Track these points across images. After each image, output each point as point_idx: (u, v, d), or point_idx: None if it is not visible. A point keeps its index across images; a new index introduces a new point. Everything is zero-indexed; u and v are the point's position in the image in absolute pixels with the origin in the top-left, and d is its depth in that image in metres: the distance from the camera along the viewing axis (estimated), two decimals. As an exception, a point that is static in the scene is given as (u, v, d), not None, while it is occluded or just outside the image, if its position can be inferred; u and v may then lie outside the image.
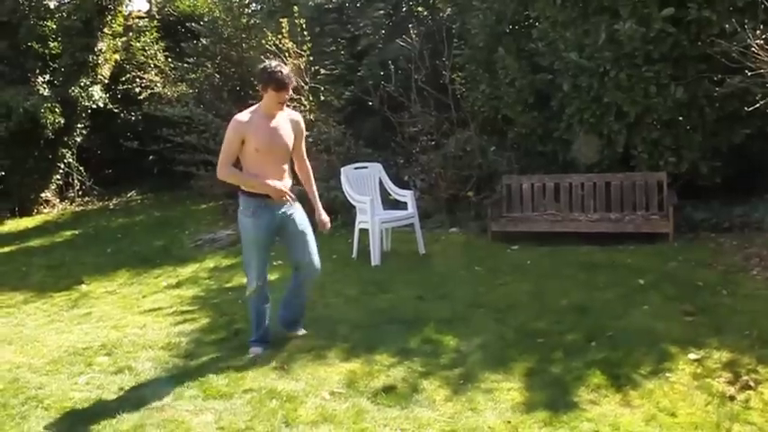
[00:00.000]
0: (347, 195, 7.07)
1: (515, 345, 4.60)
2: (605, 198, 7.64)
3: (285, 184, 4.61)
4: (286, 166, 4.67)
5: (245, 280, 6.84)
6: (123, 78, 12.78)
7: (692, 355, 4.31)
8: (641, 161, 7.59)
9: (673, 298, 5.36)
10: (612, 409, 3.76)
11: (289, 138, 4.62)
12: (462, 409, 3.80)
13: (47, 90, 12.18)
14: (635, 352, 4.41)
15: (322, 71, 9.28)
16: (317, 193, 4.97)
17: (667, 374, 4.11)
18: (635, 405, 3.79)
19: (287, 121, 4.62)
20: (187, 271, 7.51)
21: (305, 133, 4.90)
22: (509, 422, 3.63)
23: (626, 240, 6.90)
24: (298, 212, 4.72)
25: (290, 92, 4.55)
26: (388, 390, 4.06)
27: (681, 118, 7.19)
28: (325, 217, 4.92)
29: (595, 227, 7.31)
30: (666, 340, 4.56)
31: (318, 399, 4.01)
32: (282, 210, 4.63)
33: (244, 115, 4.51)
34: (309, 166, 4.94)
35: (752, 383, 3.95)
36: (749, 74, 5.51)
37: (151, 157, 12.37)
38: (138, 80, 11.88)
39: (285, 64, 8.79)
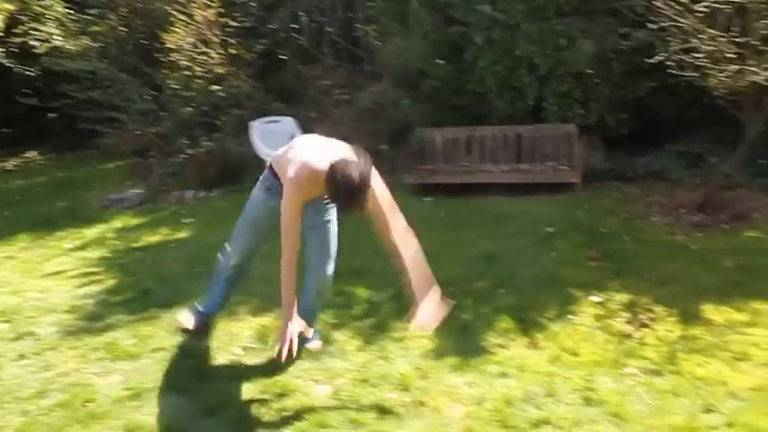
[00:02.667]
0: (257, 150, 6.94)
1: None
2: (516, 150, 7.75)
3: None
4: None
5: (153, 238, 6.77)
6: (17, 31, 12.04)
7: (594, 298, 4.48)
8: (551, 113, 7.73)
9: (579, 245, 5.53)
10: (519, 351, 3.88)
11: None
12: (374, 358, 3.84)
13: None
14: (541, 297, 4.54)
15: (232, 23, 8.99)
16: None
17: (571, 317, 4.26)
18: (540, 347, 3.92)
19: None
20: (93, 232, 7.25)
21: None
22: (419, 369, 3.70)
23: (536, 191, 7.05)
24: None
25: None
26: (299, 342, 4.04)
27: (589, 71, 7.33)
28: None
29: (507, 178, 7.43)
30: (571, 285, 4.71)
31: (230, 354, 3.98)
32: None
33: (309, 177, 3.40)
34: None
35: (648, 322, 4.15)
36: (653, 28, 5.64)
37: (52, 115, 11.77)
38: (34, 32, 11.22)
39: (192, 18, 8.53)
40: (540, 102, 7.77)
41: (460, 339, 4.01)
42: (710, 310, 4.24)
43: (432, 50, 8.07)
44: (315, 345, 3.97)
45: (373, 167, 3.29)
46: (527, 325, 4.17)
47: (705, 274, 4.80)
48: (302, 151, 3.52)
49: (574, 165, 7.36)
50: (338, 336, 4.13)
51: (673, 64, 5.56)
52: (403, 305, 4.26)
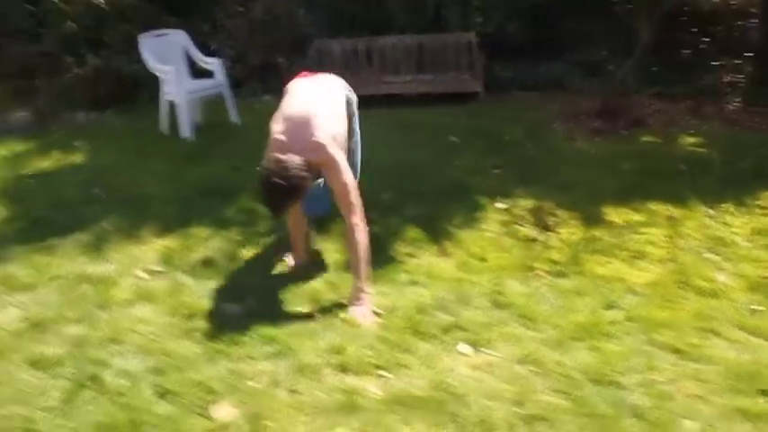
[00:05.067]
0: (148, 66, 6.58)
1: (332, 207, 4.61)
2: (417, 60, 7.67)
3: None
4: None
5: (44, 164, 6.39)
6: None
7: (499, 205, 4.57)
8: (451, 22, 7.66)
9: (482, 153, 5.60)
10: (428, 259, 3.93)
11: None
12: (283, 274, 3.80)
13: None
14: (448, 205, 4.60)
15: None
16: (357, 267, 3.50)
17: (478, 224, 4.33)
18: (449, 254, 3.99)
19: None
20: (-26, 161, 6.77)
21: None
22: (330, 282, 3.69)
23: (439, 101, 7.04)
24: None
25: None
26: (207, 262, 3.96)
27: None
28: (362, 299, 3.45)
29: (409, 88, 7.37)
30: (477, 192, 4.78)
31: (133, 278, 3.84)
32: None
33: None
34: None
35: (551, 225, 4.27)
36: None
37: None
38: None
39: None
40: (440, 10, 7.67)
41: (370, 251, 4.01)
42: (610, 212, 4.41)
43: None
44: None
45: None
46: (435, 234, 4.22)
47: (605, 178, 4.97)
48: (315, 118, 3.49)
49: (475, 74, 7.36)
50: (245, 253, 4.06)
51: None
52: (310, 219, 4.21)
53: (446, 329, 3.20)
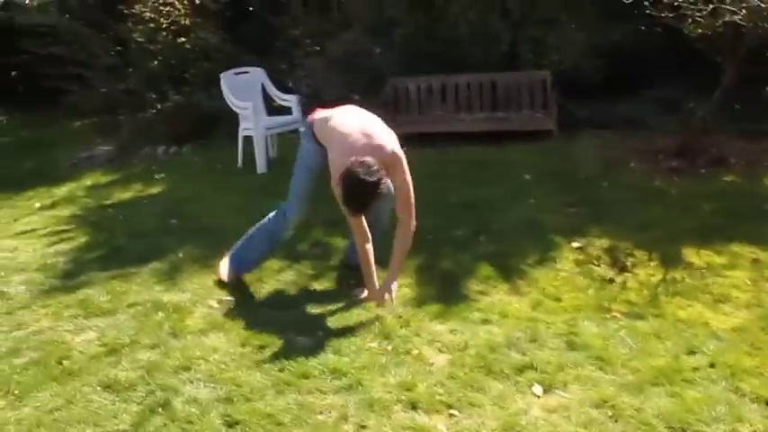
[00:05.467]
0: (228, 102, 6.77)
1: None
2: (491, 98, 7.66)
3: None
4: None
5: (125, 195, 6.62)
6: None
7: (574, 244, 4.46)
8: (525, 60, 7.63)
9: (557, 191, 5.51)
10: (501, 298, 3.85)
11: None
12: (354, 308, 3.79)
13: None
14: (521, 244, 4.51)
15: (196, -27, 8.70)
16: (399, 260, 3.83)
17: (552, 263, 4.23)
18: (522, 293, 3.90)
19: None
20: (63, 191, 7.06)
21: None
22: (401, 317, 3.65)
23: (512, 139, 6.98)
24: None
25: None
26: (278, 294, 3.99)
27: (563, 16, 7.22)
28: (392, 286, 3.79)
29: (482, 126, 7.34)
30: (551, 231, 4.69)
31: (206, 308, 3.90)
32: None
33: None
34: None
35: (629, 266, 4.14)
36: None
37: (14, 73, 11.41)
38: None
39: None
40: (514, 48, 7.65)
41: (441, 287, 3.97)
42: (691, 254, 4.25)
43: (404, -3, 7.90)
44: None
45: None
46: (508, 272, 4.14)
47: (684, 219, 4.80)
48: (360, 126, 3.74)
49: (549, 112, 7.30)
50: (317, 286, 4.07)
51: (648, 4, 5.47)
52: (381, 254, 4.22)
53: (519, 369, 3.11)
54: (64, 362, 3.47)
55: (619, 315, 3.60)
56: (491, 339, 3.39)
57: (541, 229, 4.75)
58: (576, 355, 3.23)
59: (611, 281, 3.99)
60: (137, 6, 8.46)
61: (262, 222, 4.23)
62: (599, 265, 4.18)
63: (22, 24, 9.71)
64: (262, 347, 3.42)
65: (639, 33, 6.75)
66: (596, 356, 3.20)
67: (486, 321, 3.59)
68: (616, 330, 3.43)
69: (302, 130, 4.09)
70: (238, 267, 4.21)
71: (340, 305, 3.85)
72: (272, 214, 4.20)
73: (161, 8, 8.33)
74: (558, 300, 3.79)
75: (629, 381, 3.01)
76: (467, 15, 7.55)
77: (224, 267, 4.23)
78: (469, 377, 3.07)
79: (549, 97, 7.40)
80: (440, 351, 3.33)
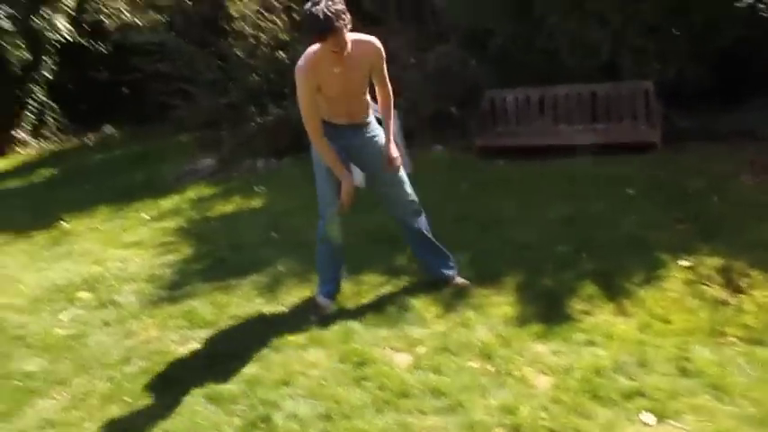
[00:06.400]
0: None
1: (504, 258, 4.52)
2: (591, 109, 7.46)
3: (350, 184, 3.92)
4: (365, 96, 3.95)
5: (227, 208, 6.81)
6: (88, 8, 12.27)
7: (683, 262, 4.25)
8: (626, 70, 7.39)
9: (663, 206, 5.27)
10: (606, 318, 3.71)
11: (360, 80, 3.82)
12: (453, 326, 3.74)
13: (8, 24, 11.67)
14: (626, 261, 4.34)
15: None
16: (392, 125, 4.04)
17: (659, 282, 4.05)
18: (628, 314, 3.74)
19: (357, 60, 3.70)
20: (168, 203, 7.34)
21: (383, 57, 3.83)
22: (502, 336, 3.57)
23: (613, 151, 6.77)
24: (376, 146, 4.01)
25: (341, 33, 3.47)
26: (377, 310, 3.98)
27: (667, 23, 6.96)
28: (393, 152, 3.97)
29: (581, 138, 7.15)
30: (657, 248, 4.49)
31: (306, 322, 3.93)
32: (358, 141, 3.99)
33: (310, 59, 3.66)
34: (390, 93, 3.98)
35: (744, 287, 3.90)
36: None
37: (125, 90, 12.00)
38: (104, 9, 11.40)
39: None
40: (613, 58, 7.43)
41: (543, 306, 3.87)
42: (813, 275, 3.98)
43: (499, 8, 7.79)
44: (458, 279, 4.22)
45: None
46: (612, 291, 3.98)
47: (805, 237, 4.51)
48: None
49: (653, 123, 7.03)
50: (415, 302, 4.03)
51: (764, 6, 5.17)
52: (480, 270, 4.17)
53: (627, 395, 2.98)
54: (169, 371, 3.60)
55: (735, 340, 3.39)
56: (596, 362, 3.26)
57: (647, 246, 4.56)
58: (689, 382, 3.07)
59: (725, 303, 3.77)
60: (238, 23, 8.72)
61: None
62: (711, 286, 3.96)
63: (133, 43, 10.18)
64: (361, 364, 3.42)
65: (749, 38, 6.42)
66: (711, 384, 3.02)
67: (590, 343, 3.46)
68: (733, 357, 3.23)
69: None
70: (326, 291, 4.18)
71: (438, 322, 3.81)
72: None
73: (261, 24, 8.55)
74: (667, 322, 3.61)
75: (750, 413, 2.82)
76: (564, 25, 7.39)
77: (319, 299, 4.19)
78: (575, 402, 2.97)
79: (651, 108, 7.13)
80: (543, 373, 3.24)
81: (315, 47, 3.62)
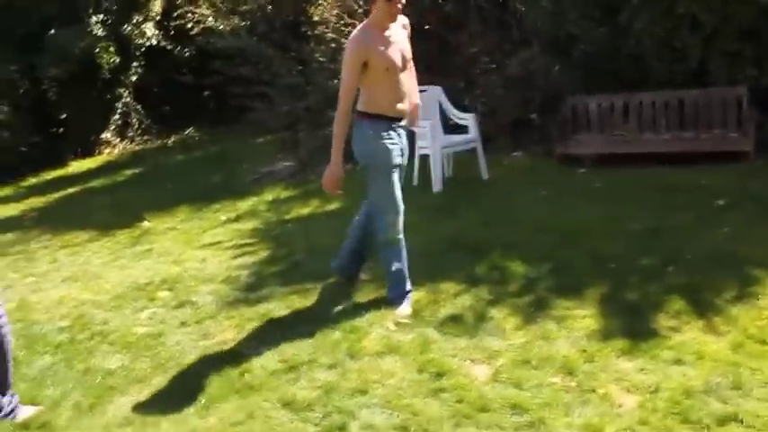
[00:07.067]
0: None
1: (587, 270, 4.36)
2: (678, 116, 7.18)
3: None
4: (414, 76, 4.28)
5: (304, 210, 6.85)
6: (175, 14, 12.63)
7: (779, 279, 4.01)
8: (718, 76, 7.09)
9: (755, 219, 5.02)
10: (695, 336, 3.52)
11: (408, 50, 4.10)
12: (534, 338, 3.62)
13: (101, 30, 12.11)
14: (717, 276, 4.13)
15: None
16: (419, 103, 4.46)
17: (754, 300, 3.83)
18: (720, 332, 3.54)
19: (402, 32, 4.06)
20: (246, 205, 7.45)
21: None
22: (584, 351, 3.44)
23: (702, 161, 6.50)
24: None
25: None
26: (455, 319, 3.90)
27: (763, 25, 6.63)
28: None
29: (668, 147, 6.91)
30: (751, 263, 4.26)
31: (383, 329, 3.88)
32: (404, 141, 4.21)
33: (362, 34, 3.89)
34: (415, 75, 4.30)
35: None
36: None
37: (206, 93, 12.27)
38: (190, 15, 11.70)
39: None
40: (703, 63, 7.13)
41: (628, 320, 3.71)
42: None
43: (583, 13, 7.60)
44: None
45: None
46: (702, 307, 3.79)
47: None
48: None
49: (745, 131, 6.72)
50: (495, 312, 3.93)
51: None
52: (562, 281, 4.04)
53: (721, 421, 2.80)
54: (246, 375, 3.59)
55: (843, 365, 3.17)
56: (686, 383, 3.09)
57: (739, 260, 4.33)
58: (790, 409, 2.88)
59: (827, 324, 3.55)
60: (319, 28, 8.79)
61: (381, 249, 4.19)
62: (812, 305, 3.73)
63: (215, 48, 10.40)
64: (439, 375, 3.35)
65: None
66: (815, 413, 2.82)
67: (679, 361, 3.29)
68: (838, 384, 3.02)
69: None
70: (399, 294, 4.15)
71: (518, 334, 3.70)
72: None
73: (342, 29, 8.58)
74: (764, 343, 3.40)
75: None
76: (652, 29, 7.14)
77: (400, 308, 4.12)
78: (663, 424, 2.82)
79: (744, 115, 6.82)
80: (628, 391, 3.09)
81: (361, 26, 3.97)
